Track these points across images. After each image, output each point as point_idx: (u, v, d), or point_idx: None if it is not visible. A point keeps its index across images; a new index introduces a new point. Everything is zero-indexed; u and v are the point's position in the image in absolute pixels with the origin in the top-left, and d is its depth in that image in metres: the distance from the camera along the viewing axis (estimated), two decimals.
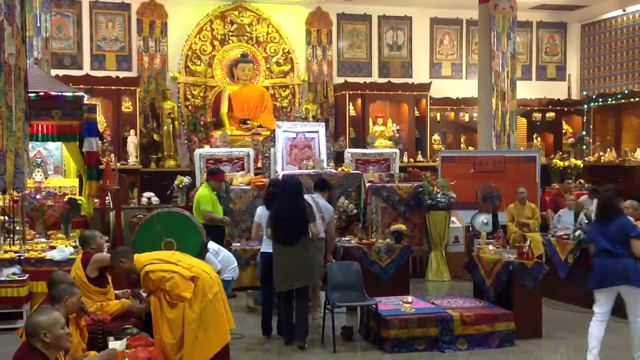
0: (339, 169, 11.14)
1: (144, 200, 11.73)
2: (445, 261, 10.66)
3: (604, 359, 6.68)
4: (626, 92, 15.60)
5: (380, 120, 15.40)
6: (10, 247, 8.23)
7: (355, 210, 10.00)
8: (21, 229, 8.63)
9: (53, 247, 8.12)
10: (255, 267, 9.03)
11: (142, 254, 5.33)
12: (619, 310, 8.15)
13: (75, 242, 8.50)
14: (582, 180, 14.99)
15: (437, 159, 13.28)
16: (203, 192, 8.97)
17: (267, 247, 7.40)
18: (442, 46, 16.81)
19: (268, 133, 12.96)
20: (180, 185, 11.47)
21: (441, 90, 16.12)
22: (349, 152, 12.46)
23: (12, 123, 5.64)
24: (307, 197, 7.46)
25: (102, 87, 13.68)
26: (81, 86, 12.21)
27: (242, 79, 14.91)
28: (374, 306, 6.99)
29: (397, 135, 15.29)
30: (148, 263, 5.13)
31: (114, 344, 4.93)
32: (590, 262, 8.59)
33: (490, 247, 8.00)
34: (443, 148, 15.50)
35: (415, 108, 15.73)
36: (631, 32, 16.11)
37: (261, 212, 7.76)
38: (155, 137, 14.41)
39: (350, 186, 10.68)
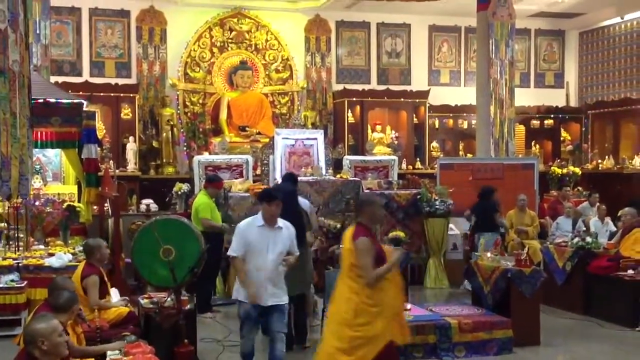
0: (338, 175, 11.15)
1: (142, 207, 11.72)
2: (444, 268, 10.67)
3: None
4: (624, 99, 15.64)
5: (379, 128, 15.42)
6: (6, 253, 8.23)
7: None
8: (23, 236, 8.65)
9: (52, 254, 8.12)
10: None
11: None
12: (620, 318, 8.19)
13: (74, 249, 8.51)
14: (580, 188, 15.01)
15: (436, 166, 13.28)
16: (201, 199, 8.97)
17: None
18: (441, 53, 16.85)
19: (267, 140, 12.96)
20: (179, 192, 11.46)
21: (440, 97, 16.15)
22: (347, 159, 12.46)
23: (16, 130, 5.65)
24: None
25: (102, 94, 13.70)
26: (80, 93, 12.22)
27: (241, 86, 14.93)
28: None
29: (396, 142, 15.30)
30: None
31: (112, 352, 4.93)
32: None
33: (489, 254, 8.01)
34: (441, 155, 15.51)
35: (414, 115, 15.75)
36: (629, 39, 16.15)
37: None
38: (154, 144, 14.42)
39: (348, 193, 10.68)
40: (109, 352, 4.93)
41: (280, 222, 5.77)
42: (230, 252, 5.75)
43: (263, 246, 5.62)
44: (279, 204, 5.72)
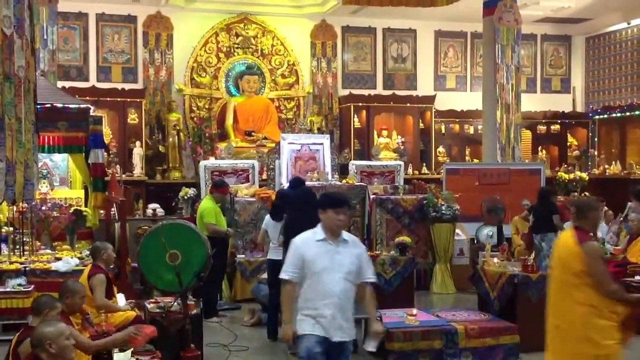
0: (344, 181, 11.16)
1: (149, 211, 11.74)
2: (450, 274, 10.65)
3: None
4: (631, 104, 15.61)
5: (384, 133, 15.42)
6: (12, 257, 8.25)
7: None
8: (29, 240, 8.67)
9: (58, 259, 8.15)
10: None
11: None
12: None
13: (80, 253, 8.53)
14: (587, 193, 14.96)
15: (442, 171, 13.28)
16: (206, 204, 8.99)
17: (273, 254, 7.73)
18: (447, 59, 16.86)
19: (273, 145, 12.99)
20: (185, 197, 11.49)
21: (446, 102, 16.14)
22: (353, 164, 12.46)
23: (21, 135, 5.69)
24: None
25: (108, 98, 13.76)
26: (87, 98, 12.24)
27: (247, 91, 14.97)
28: (378, 319, 6.98)
29: (402, 147, 15.31)
30: None
31: (119, 356, 4.94)
32: None
33: (495, 259, 8.00)
34: (448, 160, 15.50)
35: (420, 120, 15.75)
36: (636, 44, 16.13)
37: (268, 220, 7.98)
38: (161, 148, 14.46)
39: (354, 198, 10.68)
40: (115, 356, 4.94)
41: (345, 234, 4.63)
42: (282, 275, 4.59)
43: (327, 265, 4.45)
44: (346, 212, 4.58)
